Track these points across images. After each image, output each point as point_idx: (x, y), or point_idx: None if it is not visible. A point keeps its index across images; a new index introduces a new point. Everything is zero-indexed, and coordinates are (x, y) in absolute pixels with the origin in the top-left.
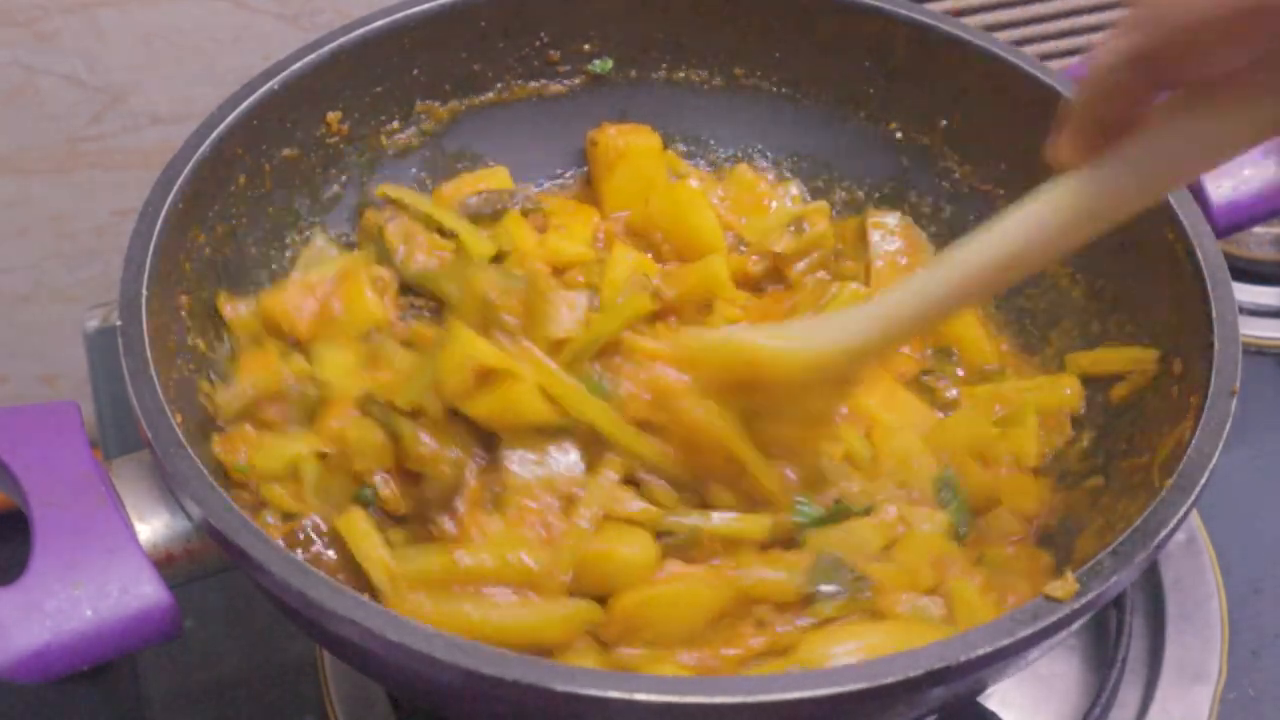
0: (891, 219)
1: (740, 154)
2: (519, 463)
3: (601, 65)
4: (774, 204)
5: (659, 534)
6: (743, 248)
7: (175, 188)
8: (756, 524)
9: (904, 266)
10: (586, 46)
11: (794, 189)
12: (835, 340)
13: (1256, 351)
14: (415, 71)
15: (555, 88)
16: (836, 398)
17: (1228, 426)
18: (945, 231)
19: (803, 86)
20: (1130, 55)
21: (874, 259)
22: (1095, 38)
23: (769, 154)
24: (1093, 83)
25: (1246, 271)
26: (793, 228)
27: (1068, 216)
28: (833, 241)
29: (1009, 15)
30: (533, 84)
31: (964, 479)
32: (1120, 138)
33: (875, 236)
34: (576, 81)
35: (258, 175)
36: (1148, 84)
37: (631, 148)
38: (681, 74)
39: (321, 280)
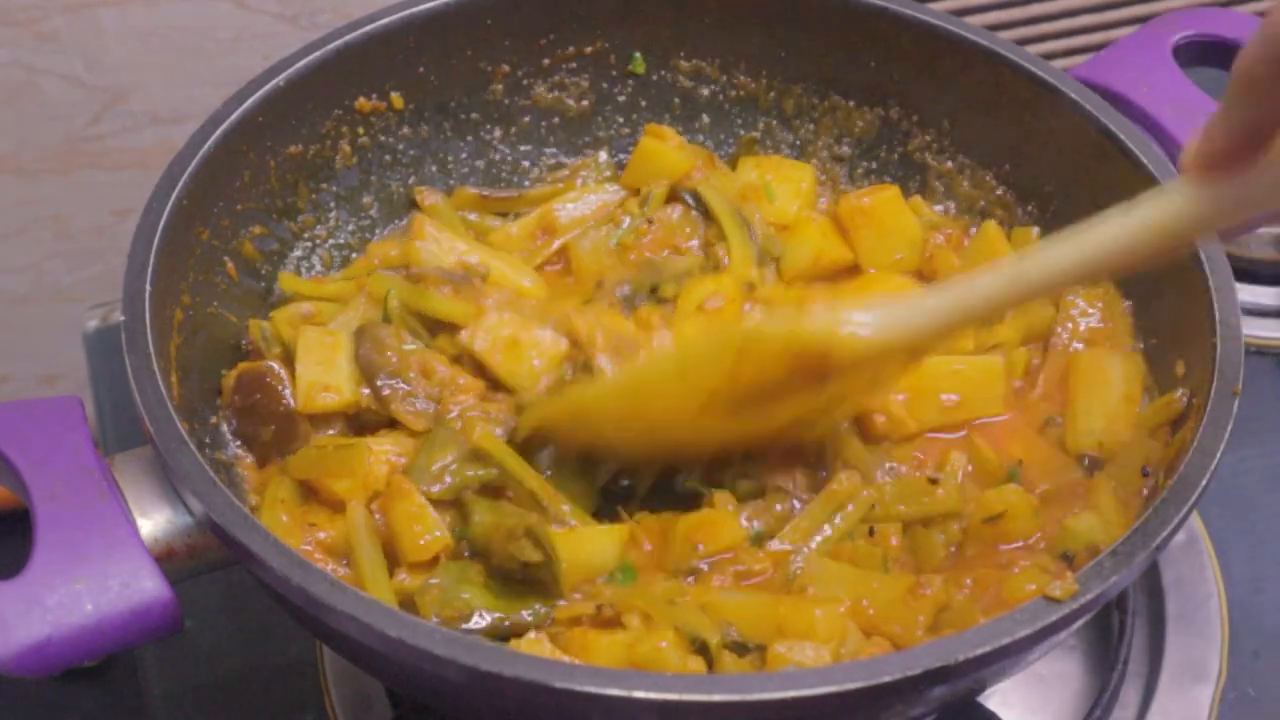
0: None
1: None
2: None
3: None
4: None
5: None
6: None
7: (180, 184)
8: None
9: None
10: (589, 49)
11: (1034, 233)
12: (913, 325)
13: (1256, 352)
14: (421, 70)
15: (563, 86)
16: (904, 368)
17: (1229, 427)
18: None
19: (807, 86)
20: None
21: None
22: (1095, 38)
23: (773, 153)
24: (1241, 78)
25: (1247, 272)
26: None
27: (1170, 231)
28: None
29: (1010, 15)
30: (540, 82)
31: None
32: (1262, 151)
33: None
34: (583, 80)
35: (262, 171)
36: None
37: (879, 204)
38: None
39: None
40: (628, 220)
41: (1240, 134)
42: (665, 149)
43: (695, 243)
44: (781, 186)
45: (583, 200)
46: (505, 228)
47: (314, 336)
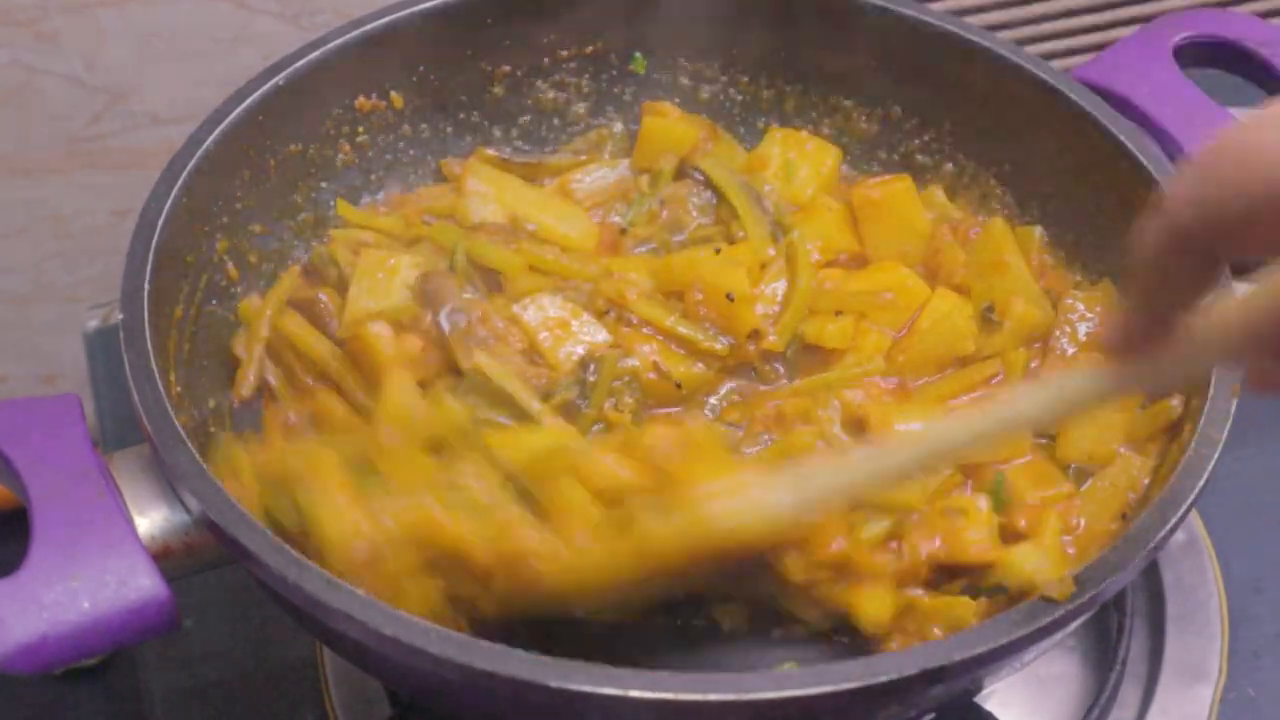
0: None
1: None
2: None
3: (637, 64)
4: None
5: None
6: None
7: (179, 182)
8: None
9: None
10: (589, 49)
11: (1037, 232)
12: (797, 504)
13: None
14: (421, 69)
15: (563, 86)
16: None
17: (1227, 427)
18: None
19: (807, 86)
20: (1171, 233)
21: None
22: (1095, 38)
23: None
24: (1148, 271)
25: (1246, 270)
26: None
27: (1083, 403)
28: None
29: (1010, 15)
30: (541, 82)
31: None
32: (1170, 332)
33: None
34: (583, 80)
35: (262, 170)
36: (1197, 265)
37: (889, 196)
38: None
39: None
40: (638, 198)
41: (1148, 322)
42: (668, 123)
43: (709, 219)
44: (804, 166)
45: (599, 173)
46: None
47: (375, 259)
